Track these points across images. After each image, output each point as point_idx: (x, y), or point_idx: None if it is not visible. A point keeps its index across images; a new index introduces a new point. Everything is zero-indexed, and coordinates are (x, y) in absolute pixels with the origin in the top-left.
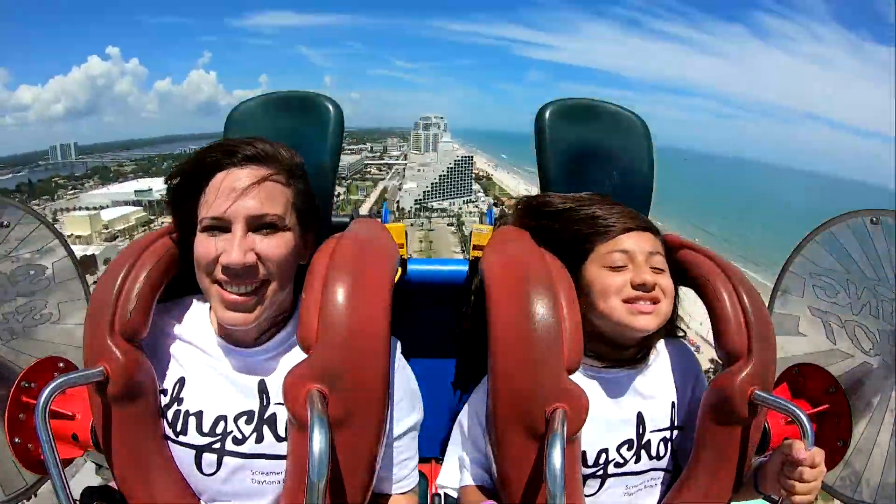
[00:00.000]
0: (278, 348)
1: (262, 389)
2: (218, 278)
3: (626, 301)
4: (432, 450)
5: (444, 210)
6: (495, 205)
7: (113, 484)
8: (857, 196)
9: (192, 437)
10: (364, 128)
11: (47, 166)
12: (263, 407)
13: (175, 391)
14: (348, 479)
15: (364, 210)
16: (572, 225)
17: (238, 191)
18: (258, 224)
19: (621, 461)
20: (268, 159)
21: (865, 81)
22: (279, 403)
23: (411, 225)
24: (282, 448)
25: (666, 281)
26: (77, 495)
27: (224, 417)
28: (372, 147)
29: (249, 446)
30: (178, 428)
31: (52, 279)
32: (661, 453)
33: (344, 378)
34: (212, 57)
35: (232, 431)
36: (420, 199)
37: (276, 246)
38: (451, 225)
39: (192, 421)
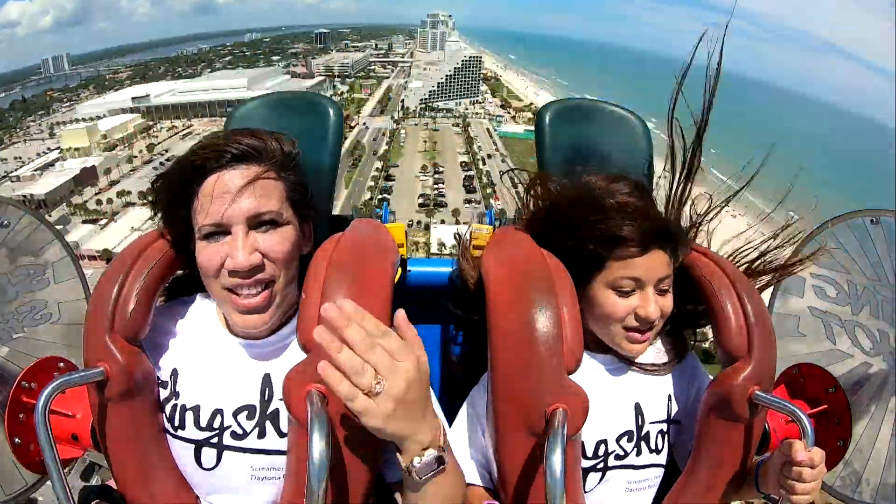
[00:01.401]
0: (285, 340)
1: (267, 384)
2: (227, 285)
3: (626, 328)
4: None
5: (449, 110)
6: (503, 107)
7: (112, 483)
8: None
9: (191, 431)
10: (369, 24)
11: (40, 80)
12: (265, 402)
13: (173, 385)
14: (348, 480)
15: (367, 111)
16: (588, 243)
17: (232, 193)
18: (257, 223)
19: (622, 453)
20: (256, 155)
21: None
22: (282, 399)
23: (415, 125)
24: (284, 444)
25: (669, 302)
26: (76, 494)
27: (220, 411)
28: (377, 44)
29: (251, 441)
30: (177, 422)
31: (52, 279)
32: (660, 447)
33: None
34: None
35: (230, 426)
36: (425, 99)
37: (278, 242)
38: (457, 126)
39: (189, 416)
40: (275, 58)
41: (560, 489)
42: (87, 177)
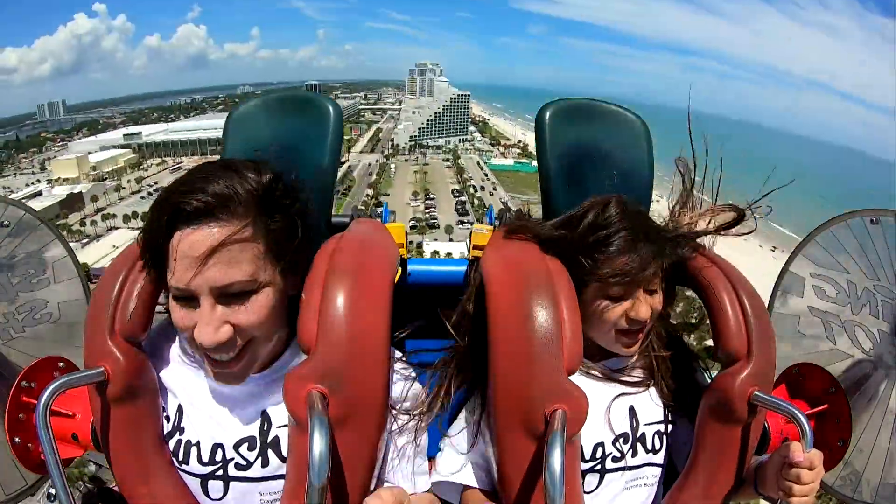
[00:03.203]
0: (279, 372)
1: (266, 418)
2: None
3: (619, 331)
4: (432, 449)
5: (439, 147)
6: (493, 144)
7: (114, 486)
8: (858, 164)
9: (195, 466)
10: (358, 80)
11: (35, 125)
12: (265, 433)
13: (176, 420)
14: (348, 480)
15: (357, 149)
16: (580, 260)
17: (197, 260)
18: (227, 293)
19: (618, 455)
20: (224, 208)
21: (871, 53)
22: (281, 426)
23: (405, 160)
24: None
25: (657, 302)
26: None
27: (221, 445)
28: (366, 95)
29: (256, 471)
30: (181, 457)
31: (52, 279)
32: (657, 447)
33: (344, 379)
34: (201, 11)
35: (233, 458)
36: (415, 136)
37: (252, 312)
38: (447, 161)
39: (193, 451)
40: None
41: (560, 490)
42: (73, 202)
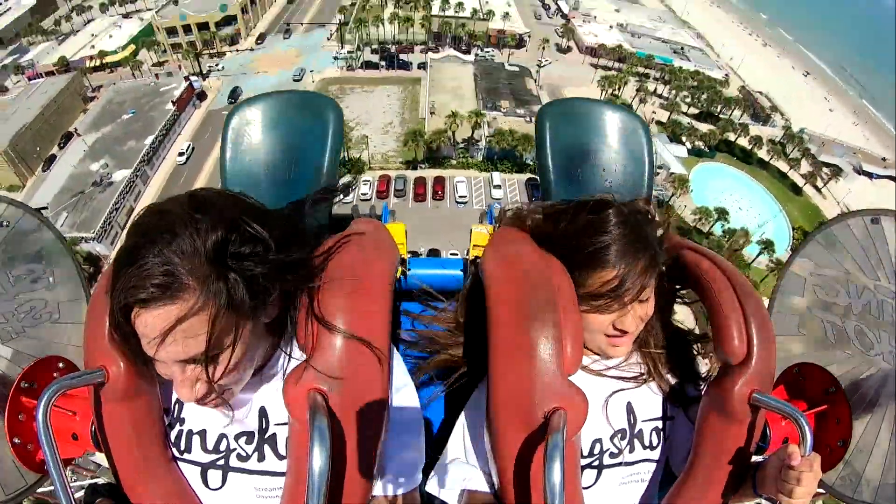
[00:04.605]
0: (275, 367)
1: (263, 414)
2: None
3: (607, 335)
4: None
5: None
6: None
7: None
8: None
9: (197, 454)
10: None
11: None
12: (263, 429)
13: (175, 411)
14: (348, 479)
15: None
16: (574, 266)
17: (155, 339)
18: (194, 359)
19: (616, 451)
20: (174, 286)
21: None
22: (279, 424)
23: None
24: (283, 466)
25: (648, 310)
26: (81, 492)
27: (225, 436)
28: None
29: (252, 464)
30: (182, 447)
31: (52, 279)
32: (654, 443)
33: (344, 379)
34: None
35: (235, 449)
36: None
37: (222, 370)
38: None
39: (196, 439)
40: None
41: (559, 491)
42: (45, 5)
